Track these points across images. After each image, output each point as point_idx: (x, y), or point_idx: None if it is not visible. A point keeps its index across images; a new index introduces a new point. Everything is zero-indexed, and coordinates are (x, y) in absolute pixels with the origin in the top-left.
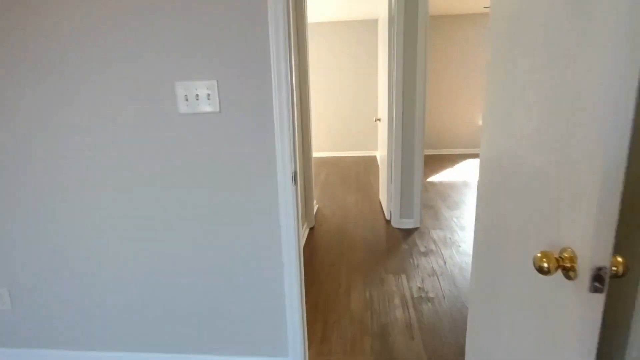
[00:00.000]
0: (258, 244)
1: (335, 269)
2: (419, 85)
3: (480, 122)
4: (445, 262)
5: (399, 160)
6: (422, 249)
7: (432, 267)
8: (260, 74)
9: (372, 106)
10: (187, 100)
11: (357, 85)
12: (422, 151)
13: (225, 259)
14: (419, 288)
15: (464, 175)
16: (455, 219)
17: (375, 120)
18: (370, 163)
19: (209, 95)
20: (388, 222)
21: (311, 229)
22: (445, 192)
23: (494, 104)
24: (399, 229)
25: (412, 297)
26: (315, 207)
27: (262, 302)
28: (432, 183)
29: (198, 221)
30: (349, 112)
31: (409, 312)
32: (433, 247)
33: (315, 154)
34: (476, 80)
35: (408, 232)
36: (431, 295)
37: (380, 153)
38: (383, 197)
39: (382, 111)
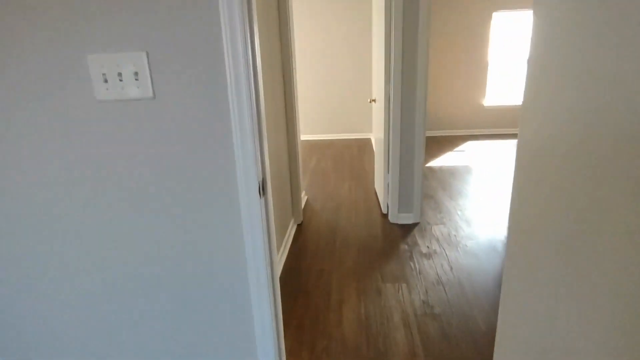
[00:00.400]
0: (215, 283)
1: (325, 276)
2: (421, 60)
3: (483, 101)
4: (451, 267)
5: (397, 147)
6: (424, 250)
7: (437, 273)
8: (209, 42)
9: (366, 84)
10: (106, 81)
11: (349, 61)
12: (423, 136)
13: (170, 304)
14: (423, 302)
15: (465, 160)
16: (459, 212)
17: (370, 101)
18: (364, 146)
19: (136, 74)
20: (385, 216)
21: (299, 225)
22: (446, 179)
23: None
24: (397, 224)
25: (415, 314)
26: (304, 199)
27: None
28: (431, 169)
29: (127, 253)
30: (341, 91)
31: (411, 334)
32: (436, 247)
33: (305, 137)
34: (481, 55)
35: (407, 229)
36: (437, 310)
37: (375, 136)
38: (379, 187)
39: (378, 91)
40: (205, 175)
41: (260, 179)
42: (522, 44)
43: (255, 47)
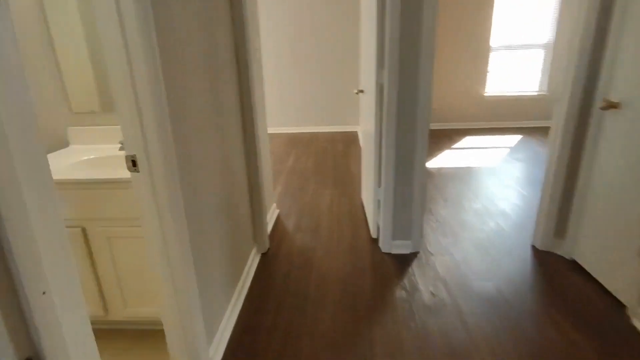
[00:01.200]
0: None
1: (292, 348)
2: (426, 41)
3: (483, 91)
4: (467, 330)
5: (391, 153)
6: (427, 298)
7: (449, 340)
8: None
9: (353, 72)
10: None
11: (334, 46)
12: (426, 136)
13: None
14: None
15: (466, 159)
16: (467, 234)
17: (357, 93)
18: (350, 140)
19: None
20: (375, 242)
21: (263, 254)
22: (446, 186)
23: None
24: (390, 255)
25: None
26: (274, 215)
27: None
28: (428, 172)
29: None
30: (325, 79)
31: None
32: (444, 292)
33: (284, 130)
34: (482, 40)
35: (404, 261)
36: None
37: (363, 129)
38: (367, 200)
39: (367, 80)
40: None
41: None
42: (529, 29)
43: None
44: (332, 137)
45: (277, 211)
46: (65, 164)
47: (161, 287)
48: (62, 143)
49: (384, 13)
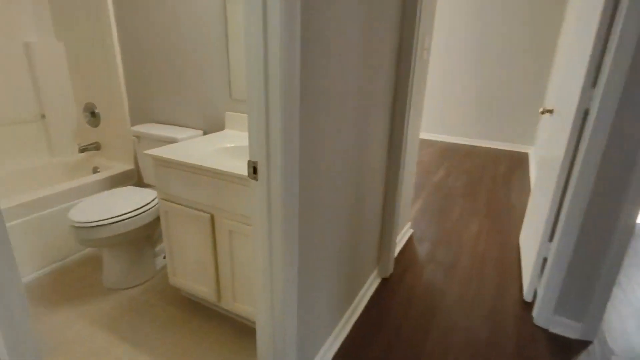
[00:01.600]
0: None
1: None
2: None
3: None
4: None
5: (582, 199)
6: None
7: None
8: None
9: (538, 83)
10: None
11: (519, 51)
12: None
13: None
14: None
15: None
16: None
17: (542, 112)
18: (517, 163)
19: None
20: (527, 307)
21: (384, 280)
22: None
23: None
24: (546, 332)
25: None
26: (406, 235)
27: None
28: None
29: None
30: (498, 88)
31: None
32: None
33: (437, 137)
34: None
35: (565, 349)
36: None
37: (542, 156)
38: (527, 248)
39: (561, 100)
40: None
41: None
42: None
43: None
44: (495, 155)
45: (410, 231)
46: (209, 149)
47: (259, 295)
48: (220, 126)
49: (615, 14)
